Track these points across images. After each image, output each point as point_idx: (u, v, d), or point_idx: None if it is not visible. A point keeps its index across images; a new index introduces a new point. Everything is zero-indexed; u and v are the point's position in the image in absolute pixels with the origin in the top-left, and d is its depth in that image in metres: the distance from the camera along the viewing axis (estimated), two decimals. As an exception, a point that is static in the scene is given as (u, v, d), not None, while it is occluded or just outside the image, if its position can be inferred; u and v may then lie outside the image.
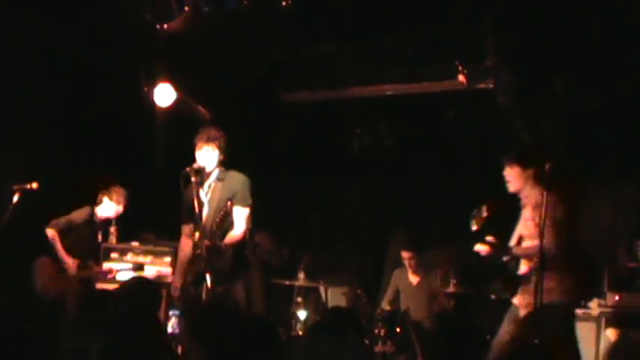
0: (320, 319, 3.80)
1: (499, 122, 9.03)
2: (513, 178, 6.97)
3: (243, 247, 7.53)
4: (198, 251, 7.11)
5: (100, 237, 9.33)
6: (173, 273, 8.68)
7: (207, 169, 7.39)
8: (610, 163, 8.77)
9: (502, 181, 9.36)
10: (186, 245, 7.60)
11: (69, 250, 8.92)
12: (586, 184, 9.19)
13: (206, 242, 7.05)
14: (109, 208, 9.12)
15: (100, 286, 9.48)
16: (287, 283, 9.54)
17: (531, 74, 8.34)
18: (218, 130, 7.52)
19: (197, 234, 7.30)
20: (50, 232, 8.85)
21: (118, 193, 9.12)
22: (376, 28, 8.45)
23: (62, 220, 8.94)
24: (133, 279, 6.19)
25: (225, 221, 7.17)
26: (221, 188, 7.39)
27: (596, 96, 8.28)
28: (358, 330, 5.35)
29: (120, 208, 9.17)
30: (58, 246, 8.85)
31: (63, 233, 8.92)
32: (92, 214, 9.10)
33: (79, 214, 9.03)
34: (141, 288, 5.51)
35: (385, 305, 9.30)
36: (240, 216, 7.29)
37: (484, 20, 8.08)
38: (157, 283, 8.17)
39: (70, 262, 8.85)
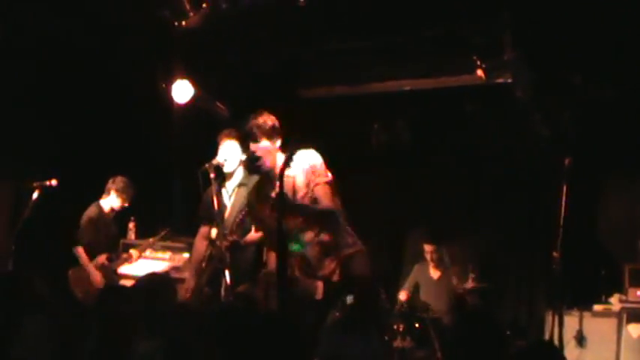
0: (345, 316, 3.76)
1: (517, 116, 9.01)
2: (265, 153, 6.44)
3: (261, 247, 7.50)
4: (215, 250, 7.11)
5: (115, 228, 9.36)
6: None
7: (229, 166, 7.37)
8: (629, 157, 8.73)
9: (521, 176, 9.40)
10: (200, 246, 7.57)
11: (94, 249, 8.99)
12: (604, 178, 9.18)
13: (229, 237, 7.04)
14: (114, 200, 9.13)
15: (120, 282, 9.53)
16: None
17: (549, 68, 8.31)
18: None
19: (214, 231, 7.31)
20: (79, 250, 8.90)
21: (125, 186, 9.14)
22: (394, 23, 8.42)
23: (81, 233, 8.99)
24: (148, 275, 6.18)
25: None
26: (244, 194, 7.36)
27: (614, 89, 8.24)
28: (380, 326, 5.33)
29: (125, 204, 9.21)
30: (86, 262, 8.90)
31: (88, 243, 9.01)
32: (100, 208, 9.11)
33: (88, 215, 9.06)
34: (156, 284, 5.50)
35: (402, 296, 9.25)
36: None
37: (502, 14, 8.04)
38: (173, 278, 8.16)
39: (98, 277, 8.88)
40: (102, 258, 8.98)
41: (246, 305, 6.26)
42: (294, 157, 6.16)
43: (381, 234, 10.26)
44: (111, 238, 9.30)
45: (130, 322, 4.15)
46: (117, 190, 9.08)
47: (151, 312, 4.26)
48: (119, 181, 9.09)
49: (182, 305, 5.31)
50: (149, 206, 9.71)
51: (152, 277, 5.93)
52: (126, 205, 9.21)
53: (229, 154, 7.37)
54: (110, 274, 8.98)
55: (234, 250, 7.08)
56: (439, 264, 9.35)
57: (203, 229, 7.54)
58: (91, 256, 8.94)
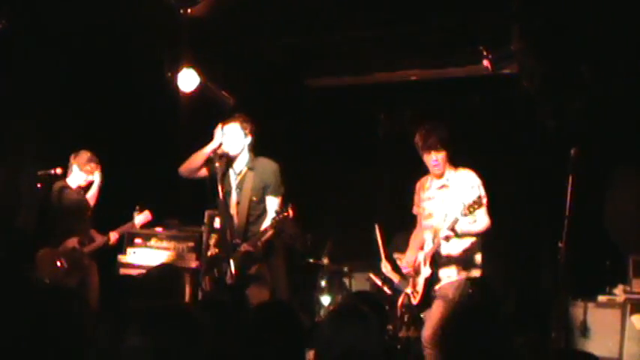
0: (343, 304, 3.74)
1: (524, 108, 8.99)
2: (441, 162, 7.39)
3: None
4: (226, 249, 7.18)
5: (85, 207, 8.90)
6: (196, 258, 8.76)
7: (233, 151, 7.37)
8: (636, 147, 8.71)
9: (526, 167, 9.38)
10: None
11: (66, 233, 8.70)
12: (611, 169, 9.16)
13: (245, 247, 7.11)
14: (78, 176, 8.81)
15: (124, 271, 9.50)
16: (312, 261, 9.63)
17: (557, 59, 8.28)
18: (245, 114, 7.52)
19: (218, 220, 7.36)
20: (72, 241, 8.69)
21: (88, 159, 8.83)
22: (401, 13, 8.41)
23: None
24: (159, 266, 6.20)
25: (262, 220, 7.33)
26: (253, 178, 7.37)
27: (621, 79, 8.22)
28: (382, 316, 5.31)
29: (90, 177, 8.87)
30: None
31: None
32: (64, 186, 8.76)
33: (52, 194, 8.72)
34: (167, 276, 5.50)
35: (384, 267, 9.14)
36: (273, 205, 7.30)
37: (509, 5, 8.02)
38: (181, 269, 8.13)
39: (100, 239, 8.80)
40: (72, 242, 8.64)
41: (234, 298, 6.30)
42: None
43: (388, 223, 10.27)
44: (83, 218, 8.91)
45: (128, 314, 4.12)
46: (79, 165, 8.79)
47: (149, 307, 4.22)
48: (81, 155, 8.82)
49: (180, 304, 5.28)
50: (154, 195, 9.69)
51: (163, 269, 5.93)
52: (91, 178, 8.91)
53: (231, 138, 7.38)
54: (79, 259, 8.61)
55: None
56: None
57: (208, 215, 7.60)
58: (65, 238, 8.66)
